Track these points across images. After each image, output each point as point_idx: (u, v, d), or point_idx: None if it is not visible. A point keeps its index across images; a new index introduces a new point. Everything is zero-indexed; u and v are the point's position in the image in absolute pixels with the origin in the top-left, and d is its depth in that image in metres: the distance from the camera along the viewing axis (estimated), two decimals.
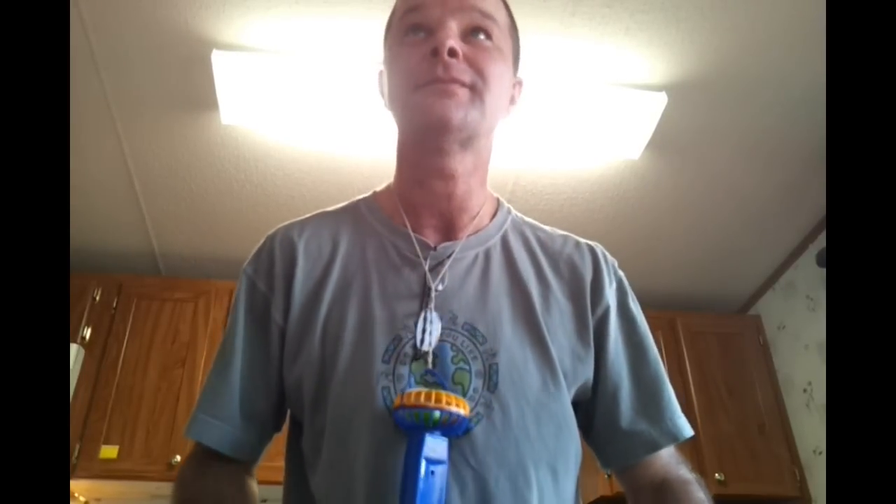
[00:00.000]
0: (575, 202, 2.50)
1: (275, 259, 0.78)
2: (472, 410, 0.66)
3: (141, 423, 2.30)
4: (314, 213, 0.85)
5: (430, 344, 0.69)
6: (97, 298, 2.51)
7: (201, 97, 2.05)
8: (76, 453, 2.21)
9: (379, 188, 0.86)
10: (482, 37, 0.74)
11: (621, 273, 0.85)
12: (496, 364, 0.69)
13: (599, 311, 0.78)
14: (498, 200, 0.86)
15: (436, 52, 0.70)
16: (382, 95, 0.82)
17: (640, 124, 2.10)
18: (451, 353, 0.69)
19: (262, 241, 0.82)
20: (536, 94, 1.98)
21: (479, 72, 0.72)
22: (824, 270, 2.58)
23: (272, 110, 2.05)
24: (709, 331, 2.83)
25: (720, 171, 2.40)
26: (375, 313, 0.71)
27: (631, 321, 0.82)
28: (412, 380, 0.67)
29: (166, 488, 2.33)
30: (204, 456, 0.74)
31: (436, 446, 0.61)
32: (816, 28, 1.86)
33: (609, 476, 2.46)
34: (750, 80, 2.04)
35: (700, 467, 2.46)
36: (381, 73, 0.83)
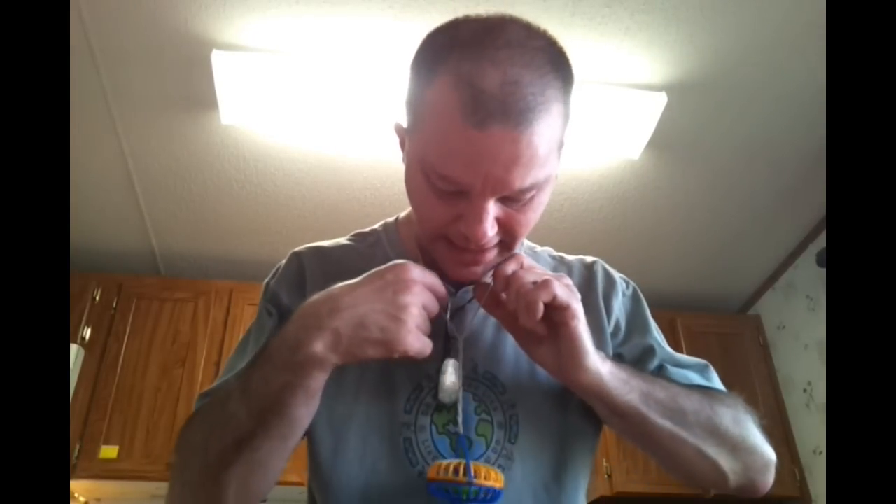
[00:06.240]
0: (575, 202, 2.50)
1: (291, 276, 0.77)
2: (494, 462, 0.68)
3: (141, 423, 2.31)
4: (336, 240, 0.83)
5: (454, 395, 0.68)
6: (97, 298, 2.51)
7: (201, 97, 2.05)
8: (76, 453, 2.21)
9: (402, 215, 0.83)
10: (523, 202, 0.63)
11: (633, 283, 0.87)
12: (516, 415, 0.71)
13: (612, 322, 0.81)
14: None
15: (467, 240, 0.62)
16: (402, 148, 0.70)
17: (640, 124, 2.10)
18: (473, 405, 0.71)
19: (286, 257, 0.81)
20: None
21: (511, 234, 0.64)
22: (824, 270, 2.58)
23: (272, 110, 2.05)
24: (709, 331, 2.83)
25: (720, 171, 2.40)
26: (395, 364, 0.70)
27: (645, 325, 0.84)
28: (434, 430, 0.69)
29: (166, 488, 2.32)
30: None
31: None
32: (816, 28, 1.86)
33: (609, 476, 2.46)
34: (750, 80, 2.04)
35: None
36: (398, 126, 0.71)
